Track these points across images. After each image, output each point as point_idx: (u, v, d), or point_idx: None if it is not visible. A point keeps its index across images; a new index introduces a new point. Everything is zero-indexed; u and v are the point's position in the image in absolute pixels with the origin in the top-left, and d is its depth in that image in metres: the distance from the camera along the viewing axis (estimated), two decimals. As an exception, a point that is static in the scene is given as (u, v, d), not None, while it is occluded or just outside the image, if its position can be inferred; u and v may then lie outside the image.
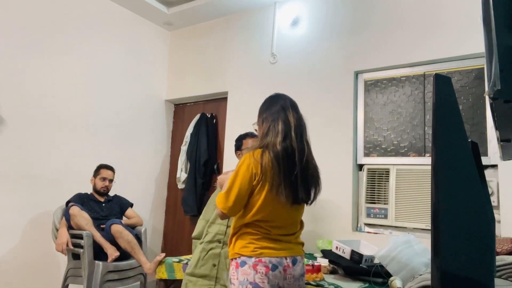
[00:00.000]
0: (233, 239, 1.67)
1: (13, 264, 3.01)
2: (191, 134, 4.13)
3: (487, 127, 2.63)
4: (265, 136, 1.64)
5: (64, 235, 2.88)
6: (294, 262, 1.64)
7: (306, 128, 1.70)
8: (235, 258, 1.62)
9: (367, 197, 2.98)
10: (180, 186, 4.12)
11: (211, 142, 4.05)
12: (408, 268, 1.99)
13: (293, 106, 1.71)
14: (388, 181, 2.90)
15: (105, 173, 3.31)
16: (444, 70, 2.84)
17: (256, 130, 1.80)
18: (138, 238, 3.15)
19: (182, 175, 4.08)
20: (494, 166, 2.55)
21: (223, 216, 1.63)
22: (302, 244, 1.74)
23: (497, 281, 1.46)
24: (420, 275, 1.65)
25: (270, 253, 1.59)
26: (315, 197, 1.69)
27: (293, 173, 1.59)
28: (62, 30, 3.43)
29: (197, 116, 4.21)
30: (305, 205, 1.70)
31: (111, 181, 3.33)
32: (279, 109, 1.67)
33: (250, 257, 1.58)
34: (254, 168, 1.58)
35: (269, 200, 1.59)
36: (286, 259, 1.61)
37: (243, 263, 1.58)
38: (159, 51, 4.41)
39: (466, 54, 2.70)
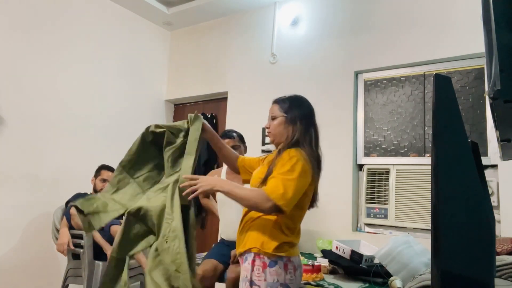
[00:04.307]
0: (258, 234, 1.54)
1: (13, 264, 3.01)
2: (191, 134, 4.12)
3: (487, 127, 2.63)
4: (303, 137, 1.61)
5: (65, 235, 2.88)
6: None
7: None
8: (263, 257, 1.50)
9: (367, 197, 2.98)
10: (180, 186, 4.11)
11: (211, 142, 4.05)
12: (408, 268, 1.99)
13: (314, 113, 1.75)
14: (388, 181, 2.90)
15: (105, 174, 3.29)
16: (444, 70, 2.83)
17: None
18: (138, 238, 3.14)
19: (182, 175, 4.07)
20: (494, 166, 2.54)
21: (273, 210, 1.45)
22: None
23: (497, 281, 1.46)
24: (420, 275, 1.65)
25: (296, 252, 1.60)
26: None
27: (319, 177, 1.64)
28: (62, 30, 3.43)
29: (197, 116, 4.20)
30: None
31: None
32: (310, 114, 1.70)
33: (281, 257, 1.51)
34: (308, 168, 1.55)
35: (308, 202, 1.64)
36: (299, 257, 1.65)
37: (273, 264, 1.50)
38: (159, 51, 4.40)
39: (466, 54, 2.70)
